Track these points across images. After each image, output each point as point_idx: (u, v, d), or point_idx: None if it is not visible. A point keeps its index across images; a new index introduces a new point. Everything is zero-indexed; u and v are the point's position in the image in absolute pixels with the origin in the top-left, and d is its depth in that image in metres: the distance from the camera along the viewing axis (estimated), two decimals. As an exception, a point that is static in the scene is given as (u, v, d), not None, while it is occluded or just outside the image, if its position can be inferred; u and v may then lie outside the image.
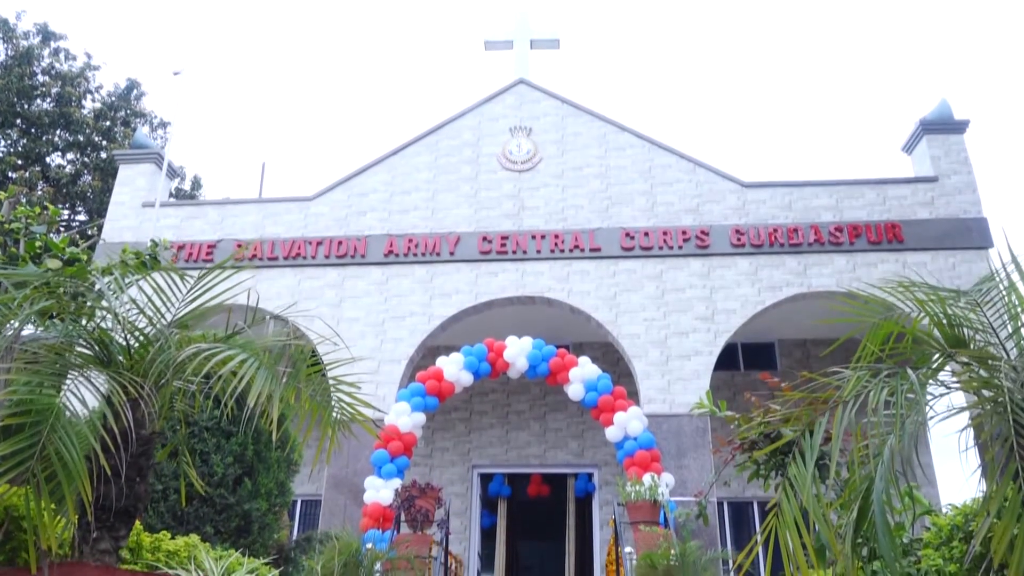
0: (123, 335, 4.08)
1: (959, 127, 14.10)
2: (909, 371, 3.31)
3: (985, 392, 3.27)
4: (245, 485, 7.41)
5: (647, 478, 10.77)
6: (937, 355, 3.51)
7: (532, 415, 15.68)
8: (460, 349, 12.22)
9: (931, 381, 3.49)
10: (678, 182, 14.27)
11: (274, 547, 7.61)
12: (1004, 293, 3.47)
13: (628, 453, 11.33)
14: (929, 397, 3.44)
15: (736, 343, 15.09)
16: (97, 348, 4.08)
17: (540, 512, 16.59)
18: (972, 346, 3.51)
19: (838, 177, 14.11)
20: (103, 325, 4.13)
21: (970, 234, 13.20)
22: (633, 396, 12.29)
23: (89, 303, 4.25)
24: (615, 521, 11.36)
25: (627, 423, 11.44)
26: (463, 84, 59.34)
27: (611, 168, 14.48)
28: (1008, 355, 3.38)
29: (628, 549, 10.20)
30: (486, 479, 15.60)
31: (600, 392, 11.71)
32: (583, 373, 11.88)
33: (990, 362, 3.33)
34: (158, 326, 4.16)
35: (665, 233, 13.74)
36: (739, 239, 13.55)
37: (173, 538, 5.46)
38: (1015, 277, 3.44)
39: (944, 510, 5.07)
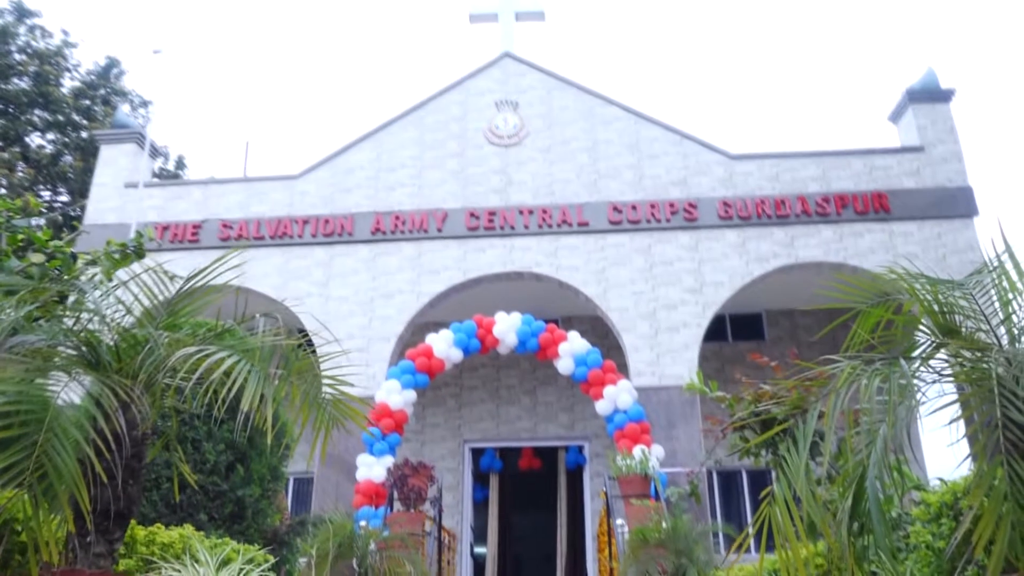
0: (111, 336, 4.03)
1: (945, 96, 14.08)
2: (902, 361, 3.32)
3: (977, 381, 3.29)
4: (238, 472, 7.41)
5: (637, 451, 10.85)
6: (928, 341, 3.53)
7: (522, 389, 15.72)
8: (449, 326, 12.21)
9: (922, 368, 3.52)
10: (665, 155, 14.21)
11: (268, 531, 7.63)
12: (995, 278, 3.47)
13: (618, 426, 11.41)
14: (921, 384, 3.47)
15: (724, 314, 15.13)
16: (84, 350, 4.03)
17: (532, 485, 16.72)
18: (963, 332, 3.53)
19: (825, 148, 14.08)
20: (90, 327, 4.08)
21: (956, 203, 13.24)
22: (623, 369, 12.34)
23: (73, 299, 4.19)
24: (606, 493, 11.46)
25: (617, 396, 11.51)
26: (448, 58, 58.74)
27: (598, 142, 14.40)
28: (999, 342, 3.40)
29: (620, 521, 10.29)
30: (477, 453, 15.68)
31: (590, 366, 11.75)
32: (573, 347, 11.91)
33: (980, 352, 3.35)
34: (147, 326, 4.11)
35: (653, 206, 13.70)
36: (726, 211, 13.54)
37: (168, 528, 5.45)
38: (1008, 265, 3.44)
39: (932, 483, 5.13)
